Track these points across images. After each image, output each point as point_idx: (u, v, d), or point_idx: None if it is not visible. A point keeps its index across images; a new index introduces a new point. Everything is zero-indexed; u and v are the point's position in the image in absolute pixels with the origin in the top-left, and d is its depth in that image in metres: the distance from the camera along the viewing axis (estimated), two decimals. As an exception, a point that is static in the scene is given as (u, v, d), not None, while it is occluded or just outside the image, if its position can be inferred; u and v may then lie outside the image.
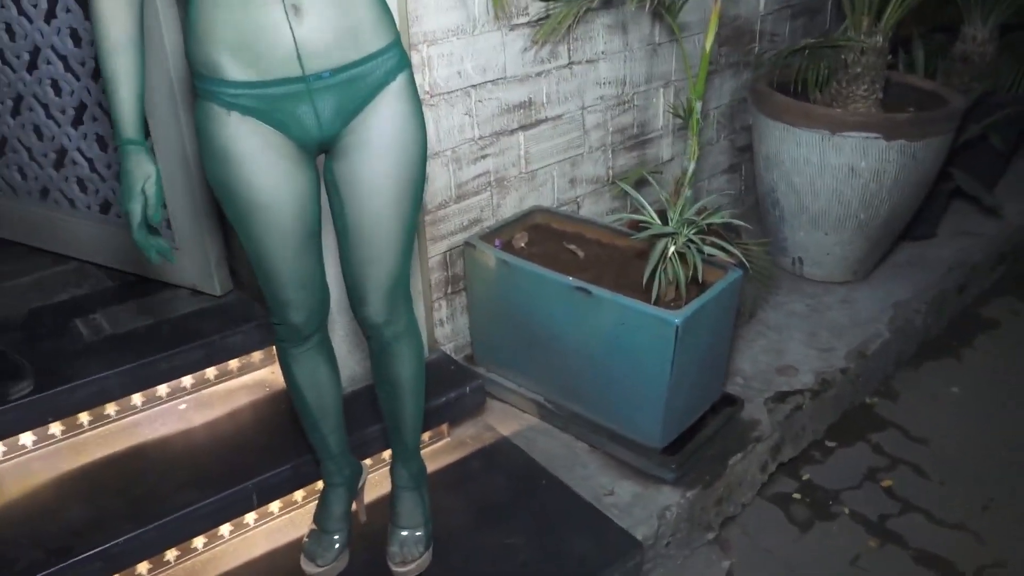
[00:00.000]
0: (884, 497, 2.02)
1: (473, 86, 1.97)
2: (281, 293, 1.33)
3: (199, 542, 1.63)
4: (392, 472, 1.63)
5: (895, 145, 2.29)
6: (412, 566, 1.55)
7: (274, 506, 1.72)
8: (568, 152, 2.27)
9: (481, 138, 2.04)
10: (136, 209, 1.15)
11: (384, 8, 1.23)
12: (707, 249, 1.75)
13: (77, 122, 1.98)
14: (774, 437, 2.02)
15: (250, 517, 1.69)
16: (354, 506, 1.67)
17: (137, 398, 1.80)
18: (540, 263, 1.88)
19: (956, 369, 2.49)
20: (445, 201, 2.02)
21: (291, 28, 1.13)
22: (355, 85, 1.21)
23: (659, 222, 1.79)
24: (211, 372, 1.88)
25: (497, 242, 2.00)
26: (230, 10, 1.11)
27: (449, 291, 2.10)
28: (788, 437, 2.08)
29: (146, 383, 1.79)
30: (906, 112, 2.42)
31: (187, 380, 1.85)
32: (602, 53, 2.23)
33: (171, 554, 1.60)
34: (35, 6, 1.88)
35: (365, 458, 1.76)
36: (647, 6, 1.95)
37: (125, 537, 1.49)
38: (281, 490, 1.68)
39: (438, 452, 1.91)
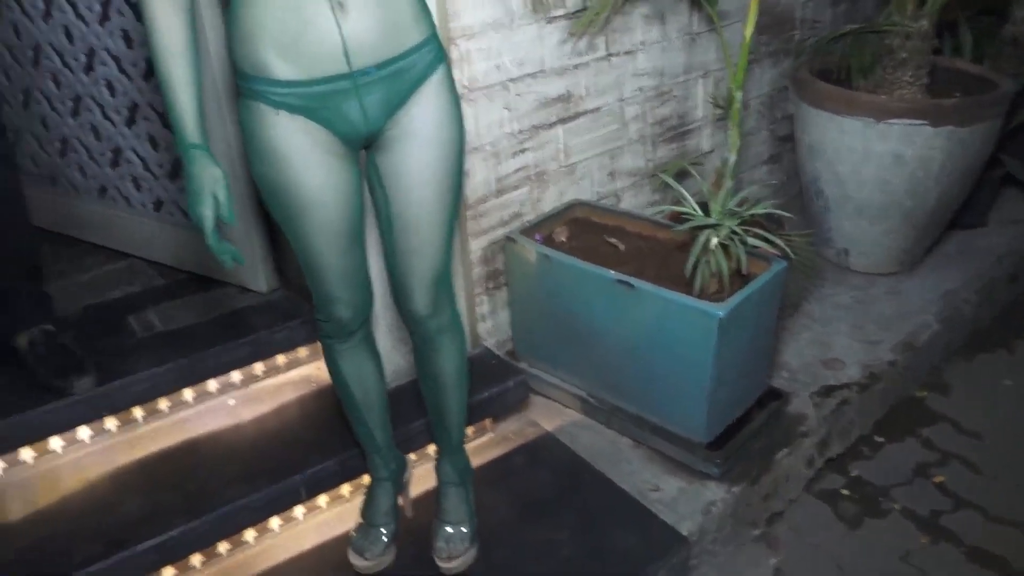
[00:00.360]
0: (936, 493, 1.97)
1: (511, 80, 1.97)
2: (328, 290, 1.35)
3: (250, 535, 1.66)
4: (437, 468, 1.65)
5: (942, 131, 2.23)
6: (458, 561, 1.56)
7: (322, 500, 1.74)
8: (607, 145, 2.26)
9: (520, 132, 2.03)
10: (207, 214, 1.15)
11: (422, 1, 1.24)
12: (750, 240, 1.73)
13: (130, 122, 2.03)
14: (821, 432, 1.99)
15: (299, 511, 1.72)
16: (401, 501, 1.69)
17: (188, 393, 1.84)
18: (581, 257, 1.88)
19: (1009, 360, 2.42)
20: (485, 196, 2.02)
21: (338, 25, 1.13)
22: (399, 79, 1.21)
23: (701, 213, 1.77)
24: (259, 368, 1.92)
25: (538, 236, 2.00)
26: (275, 9, 1.12)
27: (490, 286, 2.10)
28: (835, 432, 2.04)
29: (197, 378, 1.84)
30: (953, 97, 2.36)
31: (236, 376, 1.89)
32: (640, 44, 2.21)
33: (223, 547, 1.63)
34: (90, 9, 1.93)
35: (410, 452, 1.78)
36: (686, -5, 1.93)
37: (179, 530, 1.52)
38: (328, 483, 1.71)
39: (482, 447, 1.92)
